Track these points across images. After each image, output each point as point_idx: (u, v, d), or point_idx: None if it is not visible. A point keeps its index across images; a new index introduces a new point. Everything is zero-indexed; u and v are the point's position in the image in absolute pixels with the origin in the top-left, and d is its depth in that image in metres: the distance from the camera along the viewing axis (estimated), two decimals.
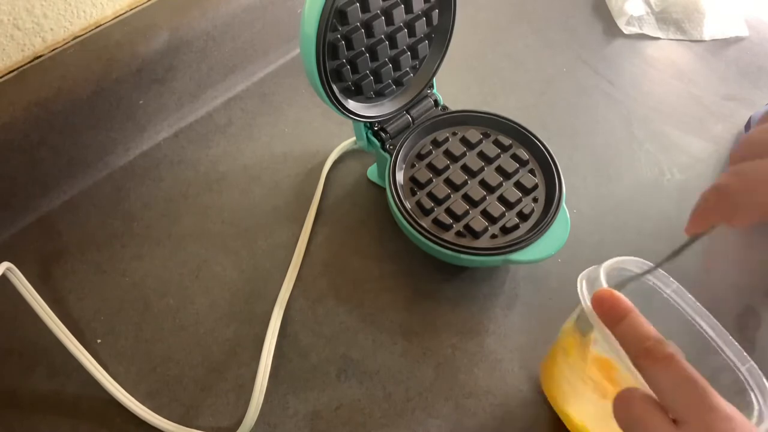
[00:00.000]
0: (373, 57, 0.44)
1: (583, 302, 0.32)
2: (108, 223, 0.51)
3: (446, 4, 0.45)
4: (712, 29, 0.68)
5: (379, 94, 0.48)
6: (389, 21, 0.43)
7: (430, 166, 0.48)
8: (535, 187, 0.46)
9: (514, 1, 0.70)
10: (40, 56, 0.49)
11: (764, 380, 0.31)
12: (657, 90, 0.63)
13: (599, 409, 0.35)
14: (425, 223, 0.45)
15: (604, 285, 0.32)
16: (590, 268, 0.35)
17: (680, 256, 0.31)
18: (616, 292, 0.30)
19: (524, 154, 0.48)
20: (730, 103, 0.62)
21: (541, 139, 0.48)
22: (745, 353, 0.32)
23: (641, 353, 0.27)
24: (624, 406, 0.27)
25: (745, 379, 0.32)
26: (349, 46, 0.42)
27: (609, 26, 0.68)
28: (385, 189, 0.46)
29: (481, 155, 0.48)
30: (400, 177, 0.47)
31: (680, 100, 0.62)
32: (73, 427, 0.41)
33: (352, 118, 0.46)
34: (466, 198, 0.46)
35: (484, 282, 0.48)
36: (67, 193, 0.52)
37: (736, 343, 0.33)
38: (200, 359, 0.44)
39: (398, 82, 0.48)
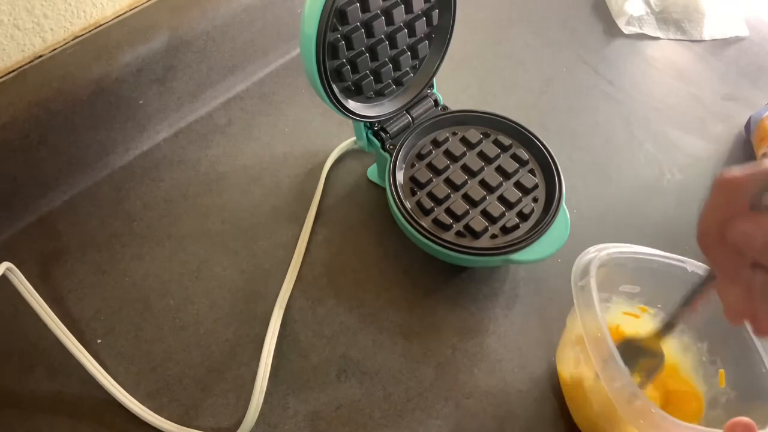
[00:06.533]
0: (373, 57, 0.44)
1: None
2: (108, 223, 0.51)
3: (446, 3, 0.45)
4: (712, 29, 0.68)
5: (379, 94, 0.48)
6: (389, 21, 0.43)
7: (430, 166, 0.48)
8: (535, 187, 0.46)
9: (514, 1, 0.70)
10: (40, 56, 0.49)
11: None
12: (657, 90, 0.63)
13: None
14: (425, 223, 0.45)
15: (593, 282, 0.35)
16: (584, 259, 0.37)
17: None
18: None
19: (524, 154, 0.48)
20: (730, 103, 0.62)
21: (541, 139, 0.48)
22: None
23: None
24: None
25: None
26: (349, 46, 0.42)
27: (609, 26, 0.68)
28: (385, 189, 0.46)
29: (481, 155, 0.48)
30: (400, 177, 0.47)
31: (680, 100, 0.62)
32: (73, 427, 0.41)
33: (352, 118, 0.46)
34: (466, 198, 0.46)
35: (484, 282, 0.48)
36: (67, 193, 0.52)
37: None
38: (200, 359, 0.44)
39: (398, 82, 0.48)
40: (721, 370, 0.39)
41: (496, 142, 0.49)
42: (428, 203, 0.45)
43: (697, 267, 0.39)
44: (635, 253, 0.40)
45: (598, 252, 0.38)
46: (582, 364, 0.39)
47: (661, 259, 0.40)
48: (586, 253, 0.38)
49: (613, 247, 0.39)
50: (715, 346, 0.40)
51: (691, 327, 0.41)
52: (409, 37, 0.46)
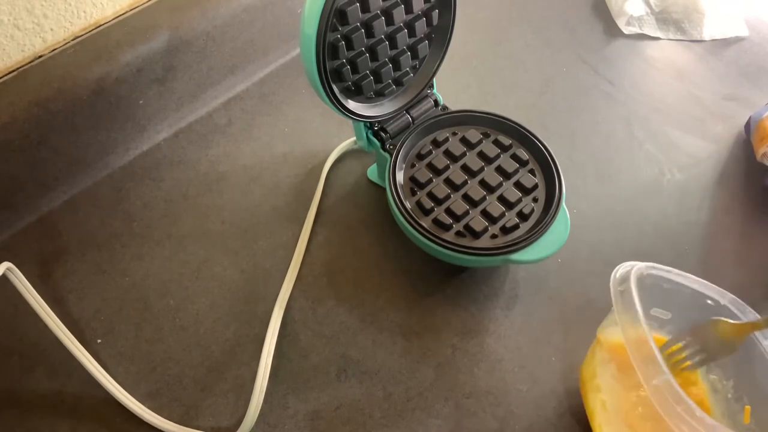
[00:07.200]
0: (373, 57, 0.44)
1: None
2: (108, 223, 0.51)
3: (446, 4, 0.45)
4: (712, 29, 0.68)
5: (379, 94, 0.48)
6: (389, 21, 0.43)
7: (430, 166, 0.48)
8: (535, 187, 0.46)
9: (514, 1, 0.70)
10: (40, 56, 0.49)
11: None
12: (657, 90, 0.63)
13: None
14: (425, 223, 0.45)
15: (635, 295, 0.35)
16: (622, 269, 0.37)
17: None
18: None
19: (524, 154, 0.48)
20: (730, 103, 0.62)
21: (541, 139, 0.48)
22: None
23: None
24: None
25: None
26: (349, 46, 0.42)
27: (609, 26, 0.68)
28: (385, 189, 0.46)
29: (481, 155, 0.48)
30: (400, 177, 0.47)
31: (680, 100, 0.62)
32: (73, 427, 0.41)
33: (352, 118, 0.46)
34: (466, 198, 0.46)
35: (484, 282, 0.48)
36: (67, 193, 0.52)
37: None
38: (200, 359, 0.44)
39: (398, 82, 0.48)
40: (747, 407, 0.38)
41: (496, 142, 0.49)
42: (428, 203, 0.45)
43: (732, 302, 0.38)
44: (671, 272, 0.39)
45: (636, 264, 0.38)
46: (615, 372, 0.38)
47: (697, 287, 0.39)
48: (622, 266, 0.38)
49: (648, 264, 0.38)
50: (742, 383, 0.39)
51: (718, 365, 0.40)
52: (409, 37, 0.46)
